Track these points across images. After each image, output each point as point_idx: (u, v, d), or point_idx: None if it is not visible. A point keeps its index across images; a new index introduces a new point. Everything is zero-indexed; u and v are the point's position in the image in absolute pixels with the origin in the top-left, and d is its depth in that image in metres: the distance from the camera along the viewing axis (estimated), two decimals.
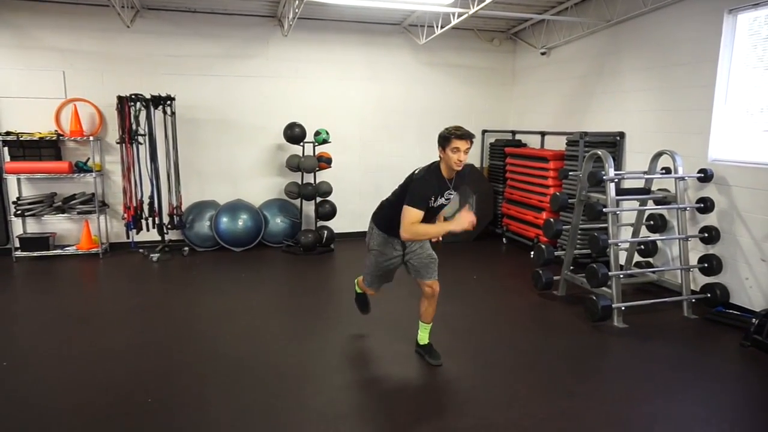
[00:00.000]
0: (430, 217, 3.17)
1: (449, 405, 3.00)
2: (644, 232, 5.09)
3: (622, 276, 4.41)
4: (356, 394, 3.12)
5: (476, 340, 3.95)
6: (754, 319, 3.83)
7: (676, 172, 4.51)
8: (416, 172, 3.16)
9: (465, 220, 2.96)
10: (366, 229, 3.49)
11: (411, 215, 2.95)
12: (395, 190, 3.26)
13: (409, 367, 3.45)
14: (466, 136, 2.99)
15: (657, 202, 4.75)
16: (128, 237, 6.22)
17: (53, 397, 3.05)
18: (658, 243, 5.15)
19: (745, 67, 4.41)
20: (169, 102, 5.99)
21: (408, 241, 3.24)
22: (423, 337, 3.57)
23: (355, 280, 3.89)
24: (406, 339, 3.84)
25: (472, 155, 7.54)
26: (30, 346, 3.77)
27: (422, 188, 3.03)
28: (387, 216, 3.23)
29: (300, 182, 6.45)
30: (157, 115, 6.05)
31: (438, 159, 3.12)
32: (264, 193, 6.87)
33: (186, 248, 6.31)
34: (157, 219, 6.16)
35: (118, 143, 5.95)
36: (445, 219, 3.55)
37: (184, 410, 2.91)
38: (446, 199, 3.18)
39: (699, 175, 4.55)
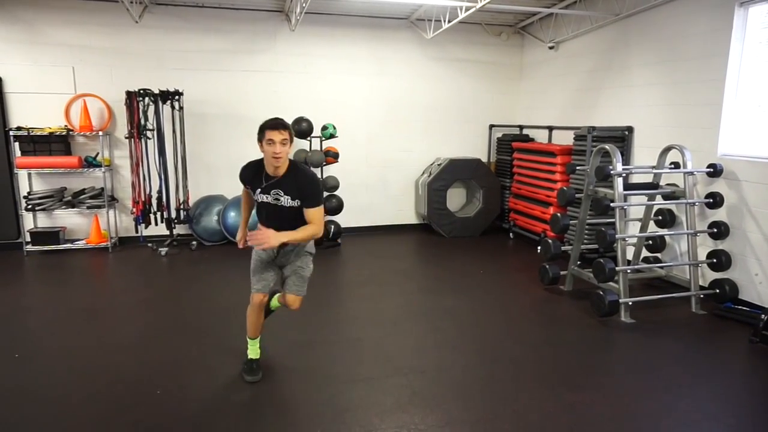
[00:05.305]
0: (276, 216, 2.97)
1: (455, 398, 3.01)
2: (652, 227, 5.07)
3: (629, 271, 4.40)
4: (363, 386, 3.14)
5: (483, 333, 3.95)
6: (763, 315, 3.81)
7: (685, 166, 4.47)
8: None
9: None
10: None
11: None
12: None
13: (414, 361, 3.46)
14: (279, 125, 2.87)
15: (665, 197, 4.73)
16: (137, 231, 6.28)
17: (64, 388, 3.09)
18: (667, 238, 5.11)
19: (757, 61, 4.36)
20: (177, 97, 6.03)
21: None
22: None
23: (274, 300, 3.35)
24: (410, 334, 3.88)
25: (480, 149, 7.66)
26: (41, 339, 3.82)
27: (241, 171, 3.12)
28: None
29: None
30: (166, 110, 6.09)
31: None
32: None
33: (194, 242, 6.35)
34: (165, 213, 6.21)
35: (126, 138, 6.00)
36: None
37: (193, 401, 2.94)
38: (274, 198, 2.96)
39: (708, 170, 4.51)
